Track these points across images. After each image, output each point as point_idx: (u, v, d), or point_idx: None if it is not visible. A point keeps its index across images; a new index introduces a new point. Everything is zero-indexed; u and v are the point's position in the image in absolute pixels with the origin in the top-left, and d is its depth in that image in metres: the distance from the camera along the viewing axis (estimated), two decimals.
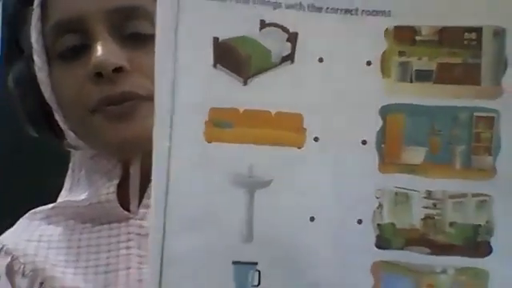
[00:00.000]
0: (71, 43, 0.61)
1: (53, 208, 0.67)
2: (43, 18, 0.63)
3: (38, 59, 0.63)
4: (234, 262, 0.41)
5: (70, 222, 0.65)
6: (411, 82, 0.42)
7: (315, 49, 0.42)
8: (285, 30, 0.41)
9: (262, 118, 0.41)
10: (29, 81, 0.64)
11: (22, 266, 0.62)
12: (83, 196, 0.64)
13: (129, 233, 0.61)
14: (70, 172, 0.69)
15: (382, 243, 0.42)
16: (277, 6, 0.41)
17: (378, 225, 0.42)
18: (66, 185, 0.68)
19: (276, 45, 0.41)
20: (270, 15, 0.41)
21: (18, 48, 0.66)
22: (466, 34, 0.41)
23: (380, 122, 0.42)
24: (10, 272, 0.62)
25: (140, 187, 0.62)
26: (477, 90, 0.42)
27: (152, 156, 0.57)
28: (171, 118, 0.40)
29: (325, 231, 0.42)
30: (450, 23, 0.42)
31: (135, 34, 0.60)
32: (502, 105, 0.41)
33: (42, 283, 0.60)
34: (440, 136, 0.42)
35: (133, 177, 0.63)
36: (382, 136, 0.42)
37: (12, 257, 0.63)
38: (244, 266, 0.41)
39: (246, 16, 0.41)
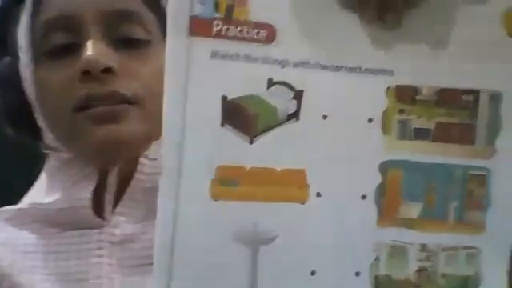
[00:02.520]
0: (61, 41, 0.60)
1: (19, 209, 0.64)
2: (34, 14, 0.61)
3: (24, 56, 0.61)
4: None
5: (36, 224, 0.62)
6: (410, 139, 0.43)
7: (320, 106, 0.42)
8: (291, 88, 0.42)
9: (267, 175, 0.42)
10: (11, 78, 0.62)
11: None
12: (53, 199, 0.62)
13: (101, 240, 0.60)
14: (43, 174, 0.66)
15: None
16: (285, 64, 0.41)
17: (375, 276, 0.43)
18: (37, 186, 0.66)
19: (282, 103, 0.42)
20: (278, 74, 0.41)
21: (3, 45, 0.64)
22: (464, 95, 0.43)
23: (379, 178, 0.43)
24: None
25: (115, 194, 0.61)
26: (471, 150, 0.43)
27: (131, 163, 0.58)
28: (178, 176, 0.40)
29: (324, 284, 0.43)
30: (449, 85, 0.43)
31: (128, 37, 0.59)
32: (494, 164, 0.43)
33: None
34: (436, 192, 0.44)
35: (110, 184, 0.61)
36: (381, 191, 0.43)
37: None
38: None
39: (254, 75, 0.41)
